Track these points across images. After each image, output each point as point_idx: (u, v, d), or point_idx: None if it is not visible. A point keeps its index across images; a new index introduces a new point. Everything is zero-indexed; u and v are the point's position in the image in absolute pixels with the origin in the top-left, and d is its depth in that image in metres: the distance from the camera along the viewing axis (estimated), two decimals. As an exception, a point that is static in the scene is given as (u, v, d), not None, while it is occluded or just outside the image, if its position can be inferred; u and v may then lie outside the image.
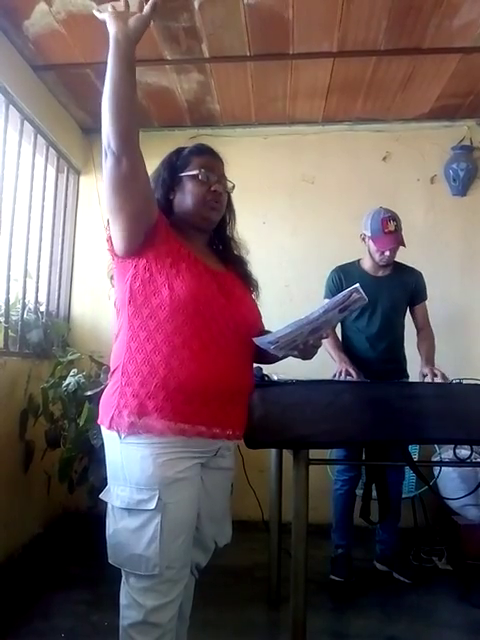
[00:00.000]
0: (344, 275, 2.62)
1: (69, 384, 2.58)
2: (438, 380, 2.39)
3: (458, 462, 2.01)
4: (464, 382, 2.34)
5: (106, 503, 1.33)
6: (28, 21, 2.49)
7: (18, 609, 2.18)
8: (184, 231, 1.40)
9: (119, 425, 1.26)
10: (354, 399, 2.08)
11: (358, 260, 2.69)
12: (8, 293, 2.75)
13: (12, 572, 2.51)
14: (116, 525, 1.28)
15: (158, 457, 1.24)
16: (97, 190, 3.54)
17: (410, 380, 2.65)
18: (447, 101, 3.22)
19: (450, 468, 2.74)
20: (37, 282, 3.15)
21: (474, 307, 3.39)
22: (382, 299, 2.55)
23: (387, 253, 2.52)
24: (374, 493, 2.28)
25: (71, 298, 3.60)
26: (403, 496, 2.77)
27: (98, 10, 1.29)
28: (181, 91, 3.16)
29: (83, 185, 3.66)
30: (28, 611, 2.18)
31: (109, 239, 1.32)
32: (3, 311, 2.71)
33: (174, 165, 1.43)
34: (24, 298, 2.98)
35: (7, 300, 2.74)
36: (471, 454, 1.89)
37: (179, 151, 1.46)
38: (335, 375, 2.46)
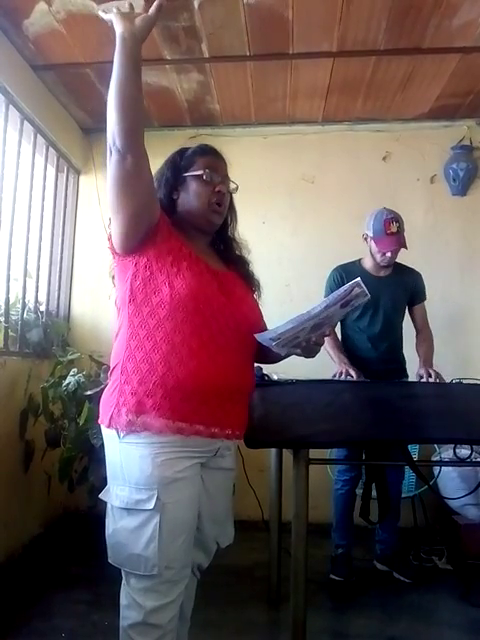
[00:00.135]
0: (345, 274, 2.62)
1: (69, 384, 2.58)
2: (432, 380, 2.39)
3: (458, 462, 2.01)
4: (464, 382, 2.35)
5: (106, 503, 1.33)
6: (28, 20, 2.49)
7: (18, 609, 2.18)
8: (186, 231, 1.40)
9: (118, 423, 1.26)
10: (354, 399, 2.08)
11: (359, 260, 2.69)
12: (8, 293, 2.75)
13: (12, 572, 2.51)
14: (115, 525, 1.28)
15: (157, 457, 1.24)
16: (97, 190, 3.54)
17: (410, 380, 2.65)
18: (447, 101, 3.22)
19: (450, 468, 2.74)
20: (37, 282, 3.15)
21: (474, 307, 3.39)
22: (383, 299, 2.55)
23: (388, 254, 2.52)
24: (374, 493, 2.28)
25: (71, 298, 3.60)
26: (403, 496, 2.78)
27: (104, 11, 1.29)
28: (181, 91, 3.16)
29: (83, 185, 3.65)
30: (28, 611, 2.18)
31: (110, 237, 1.32)
32: (3, 311, 2.72)
33: (178, 165, 1.43)
34: (24, 298, 2.98)
35: (7, 300, 2.74)
36: (471, 454, 1.88)
37: (183, 151, 1.46)
38: (335, 376, 2.46)
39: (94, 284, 3.50)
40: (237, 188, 1.47)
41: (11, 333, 2.80)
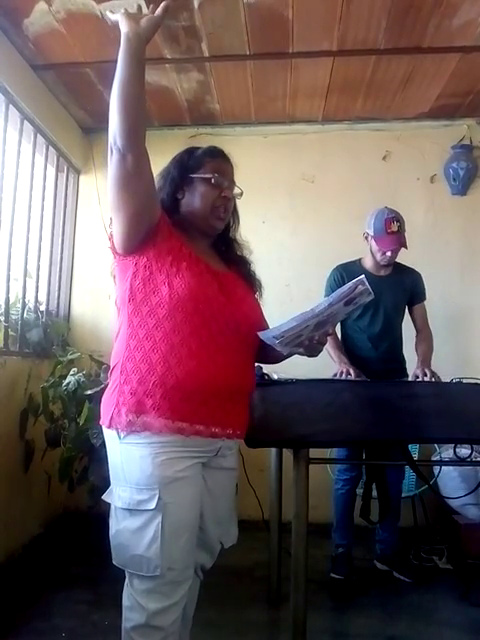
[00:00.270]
0: (346, 273, 2.61)
1: (69, 383, 2.58)
2: (427, 379, 2.39)
3: (458, 461, 2.01)
4: (464, 382, 2.35)
5: (107, 503, 1.33)
6: (28, 20, 2.49)
7: (18, 609, 2.18)
8: (187, 231, 1.40)
9: (118, 423, 1.26)
10: (354, 398, 2.08)
11: (359, 259, 2.69)
12: (8, 292, 2.75)
13: (12, 572, 2.51)
14: (118, 526, 1.28)
15: (157, 457, 1.24)
16: (97, 189, 3.54)
17: (410, 380, 2.65)
18: (447, 100, 3.22)
19: (450, 467, 2.74)
20: (37, 281, 3.15)
21: (474, 307, 3.39)
22: (384, 299, 2.55)
23: (388, 253, 2.52)
24: (374, 492, 2.28)
25: (71, 297, 3.59)
26: (403, 495, 2.78)
27: (111, 11, 1.30)
28: (181, 90, 3.16)
29: (83, 185, 3.65)
30: (28, 611, 2.18)
31: (111, 237, 1.32)
32: (3, 310, 2.71)
33: (186, 164, 1.42)
34: (24, 297, 2.98)
35: (7, 299, 2.74)
36: (471, 453, 1.88)
37: (192, 151, 1.46)
38: (335, 375, 2.46)
39: (94, 284, 3.50)
40: (242, 194, 1.47)
41: (11, 333, 2.80)
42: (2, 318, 2.70)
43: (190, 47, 2.72)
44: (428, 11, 2.42)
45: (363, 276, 1.25)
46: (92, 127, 3.49)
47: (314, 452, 1.70)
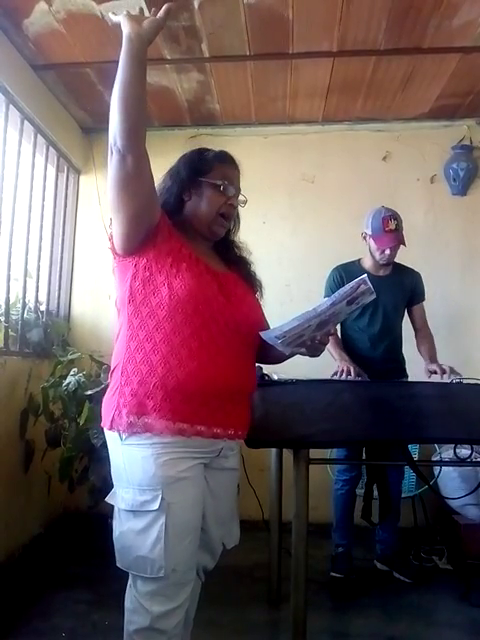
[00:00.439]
0: (345, 274, 2.62)
1: (69, 383, 2.58)
2: (447, 376, 2.37)
3: (458, 461, 2.01)
4: (464, 382, 2.35)
5: (107, 502, 1.33)
6: (28, 20, 2.49)
7: (18, 609, 2.18)
8: (188, 233, 1.40)
9: (119, 425, 1.26)
10: (354, 399, 2.08)
11: (359, 259, 2.70)
12: (8, 292, 2.74)
13: (12, 572, 2.51)
14: (122, 527, 1.28)
15: (159, 457, 1.24)
16: (97, 190, 3.54)
17: (409, 379, 2.65)
18: (447, 101, 3.22)
19: (450, 467, 2.74)
20: (37, 282, 3.15)
21: (474, 307, 3.39)
22: (383, 298, 2.55)
23: (387, 251, 2.52)
24: (374, 493, 2.28)
25: (71, 297, 3.59)
26: (403, 495, 2.78)
27: (113, 13, 1.31)
28: (181, 90, 3.16)
29: (83, 185, 3.65)
30: (28, 611, 2.18)
31: (111, 237, 1.32)
32: (3, 310, 2.71)
33: (196, 166, 1.42)
34: (24, 297, 2.98)
35: (7, 299, 2.74)
36: (471, 453, 1.89)
37: (201, 152, 1.46)
38: (336, 374, 2.46)
39: (94, 284, 3.50)
40: (246, 202, 1.47)
41: (11, 333, 2.80)
42: (2, 318, 2.70)
43: (190, 47, 2.72)
44: (428, 11, 2.42)
45: (365, 276, 1.25)
46: (92, 127, 3.49)
47: (314, 452, 1.71)
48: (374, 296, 1.31)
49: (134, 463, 1.26)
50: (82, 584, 2.42)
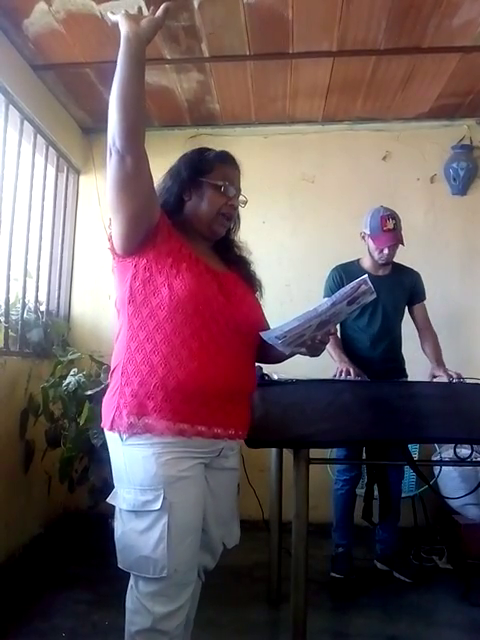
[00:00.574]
0: (345, 274, 2.62)
1: (69, 383, 2.58)
2: (454, 381, 2.38)
3: (458, 461, 2.00)
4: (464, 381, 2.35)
5: (107, 502, 1.33)
6: (28, 20, 2.49)
7: (18, 609, 2.18)
8: (188, 232, 1.40)
9: (120, 426, 1.26)
10: (354, 398, 2.08)
11: (358, 259, 2.70)
12: (8, 293, 2.75)
13: (12, 572, 2.51)
14: (124, 528, 1.27)
15: (160, 457, 1.24)
16: (97, 190, 3.54)
17: (409, 379, 2.65)
18: (447, 100, 3.22)
19: (450, 467, 2.74)
20: (37, 282, 3.15)
21: (474, 307, 3.39)
22: (383, 298, 2.54)
23: (386, 251, 2.52)
24: (375, 493, 2.28)
25: (71, 297, 3.59)
26: (403, 495, 2.78)
27: (112, 12, 1.30)
28: (181, 90, 3.16)
29: (83, 185, 3.65)
30: (29, 611, 2.18)
31: (110, 238, 1.32)
32: (3, 311, 2.71)
33: (196, 166, 1.41)
34: (24, 297, 2.98)
35: (7, 300, 2.74)
36: (471, 453, 1.88)
37: (202, 152, 1.45)
38: (335, 375, 2.46)
39: (94, 284, 3.50)
40: (246, 202, 1.47)
41: (11, 333, 2.80)
42: (2, 318, 2.70)
43: (190, 47, 2.72)
44: (428, 11, 2.42)
45: (366, 276, 1.26)
46: (92, 127, 3.49)
47: (314, 452, 1.70)
48: (375, 296, 1.32)
49: (135, 463, 1.25)
50: (82, 584, 2.42)
